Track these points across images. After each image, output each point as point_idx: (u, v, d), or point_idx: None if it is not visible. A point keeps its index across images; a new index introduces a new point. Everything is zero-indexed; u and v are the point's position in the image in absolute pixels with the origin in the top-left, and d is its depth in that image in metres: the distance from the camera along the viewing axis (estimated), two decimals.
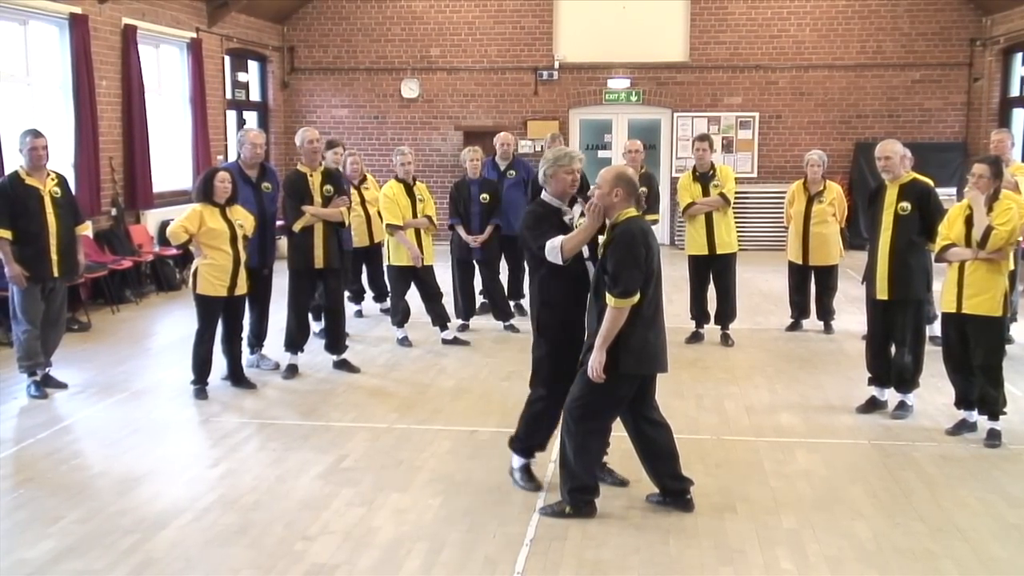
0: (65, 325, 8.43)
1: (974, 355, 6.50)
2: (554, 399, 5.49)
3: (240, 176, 8.10)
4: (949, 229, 6.57)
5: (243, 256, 7.72)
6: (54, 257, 7.76)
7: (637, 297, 5.02)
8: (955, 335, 6.61)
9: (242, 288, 7.78)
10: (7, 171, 8.86)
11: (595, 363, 5.05)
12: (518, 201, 10.23)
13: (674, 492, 5.42)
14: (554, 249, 5.32)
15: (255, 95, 17.48)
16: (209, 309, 7.66)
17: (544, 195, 5.62)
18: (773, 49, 17.10)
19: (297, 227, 8.14)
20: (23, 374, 7.81)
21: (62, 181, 7.97)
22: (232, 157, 16.05)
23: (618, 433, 6.08)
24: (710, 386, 8.05)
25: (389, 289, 9.92)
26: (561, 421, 5.38)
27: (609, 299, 5.01)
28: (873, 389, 7.32)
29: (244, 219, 7.78)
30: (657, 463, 5.43)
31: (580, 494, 5.29)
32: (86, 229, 8.39)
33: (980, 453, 6.37)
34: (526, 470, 5.74)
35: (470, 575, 4.67)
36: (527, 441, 5.72)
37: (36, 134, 7.69)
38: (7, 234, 7.56)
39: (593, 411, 5.24)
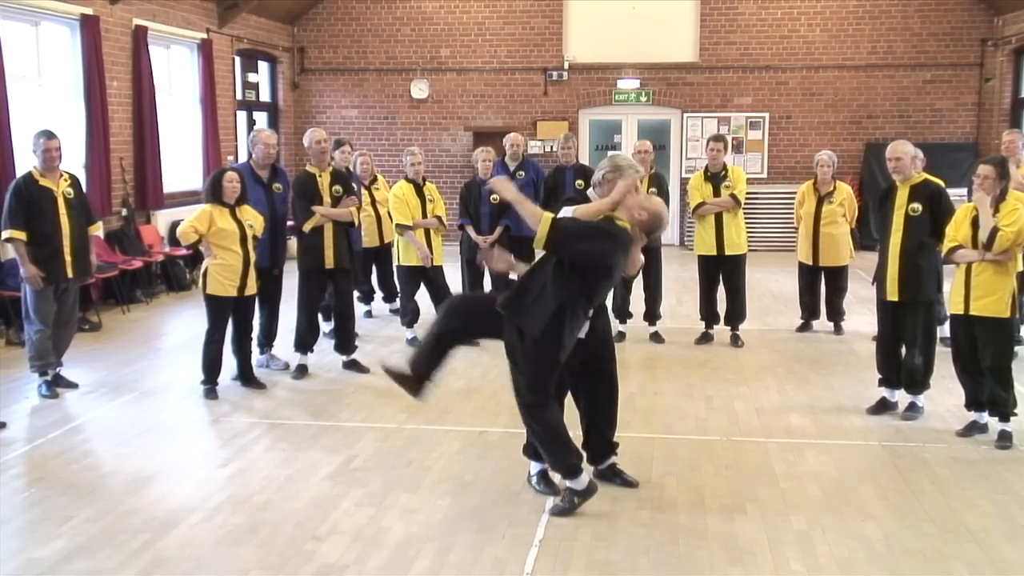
0: (76, 325, 8.46)
1: (983, 357, 6.47)
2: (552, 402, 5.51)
3: (251, 176, 8.12)
4: (956, 231, 6.54)
5: (253, 256, 7.73)
6: (68, 258, 7.78)
7: (546, 244, 5.07)
8: (964, 337, 6.58)
9: (252, 288, 7.80)
10: (20, 172, 8.90)
11: (498, 184, 5.39)
12: None
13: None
14: (566, 213, 5.37)
15: (265, 96, 17.53)
16: (219, 309, 7.68)
17: (593, 193, 5.68)
18: (783, 49, 17.07)
19: (307, 227, 8.16)
20: (35, 374, 7.84)
21: (75, 182, 8.00)
22: (243, 157, 16.12)
23: (622, 433, 6.09)
24: (720, 387, 8.03)
25: (399, 289, 9.93)
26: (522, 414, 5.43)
27: (549, 215, 5.09)
28: (883, 390, 7.30)
29: (254, 219, 7.79)
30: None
31: (572, 470, 5.31)
32: (97, 229, 8.41)
33: (991, 455, 6.35)
34: (544, 475, 5.72)
35: (479, 575, 4.67)
36: None
37: (49, 135, 7.72)
38: (22, 235, 7.58)
39: (536, 396, 5.30)
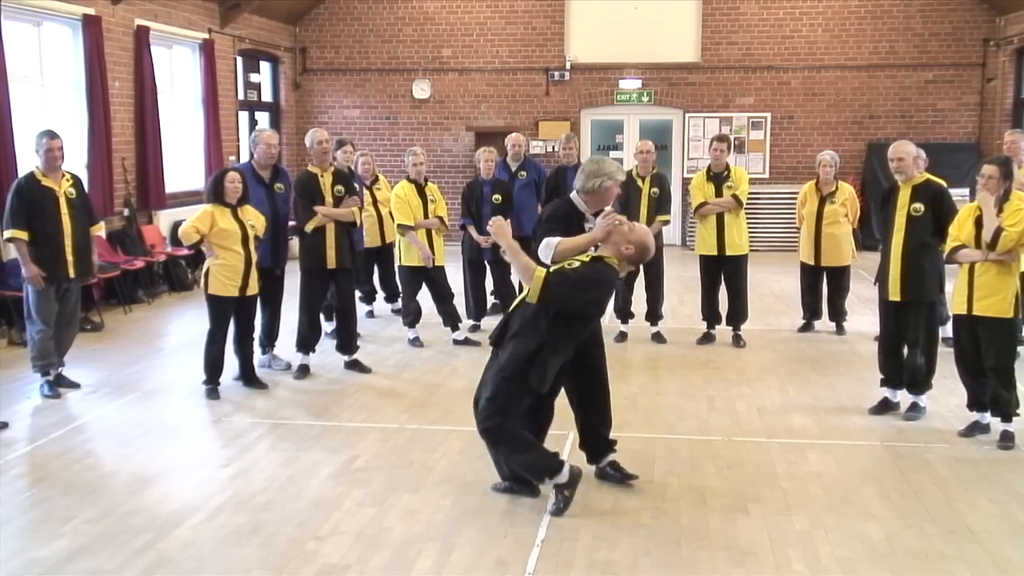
0: (78, 325, 8.47)
1: (986, 357, 6.47)
2: (541, 398, 5.54)
3: (253, 176, 8.13)
4: (959, 230, 6.54)
5: (255, 256, 7.74)
6: (70, 258, 7.79)
7: (540, 300, 5.08)
8: (967, 337, 6.58)
9: (254, 288, 7.80)
10: (22, 172, 8.91)
11: (495, 228, 5.37)
12: (529, 202, 10.26)
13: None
14: (548, 246, 5.36)
15: (267, 96, 17.53)
16: (221, 309, 7.68)
17: (576, 197, 5.66)
18: (785, 50, 17.06)
19: (309, 227, 8.16)
20: (36, 374, 7.84)
21: (77, 182, 8.00)
22: (244, 158, 16.12)
23: (623, 433, 6.09)
24: (721, 387, 8.03)
25: (400, 290, 9.93)
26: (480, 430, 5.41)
27: (542, 272, 5.10)
28: (885, 390, 7.30)
29: (255, 219, 7.79)
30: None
31: (551, 470, 5.31)
32: (100, 230, 8.41)
33: (993, 455, 6.34)
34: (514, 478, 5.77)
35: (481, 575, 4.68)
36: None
37: (52, 135, 7.72)
38: (24, 235, 7.59)
39: (498, 414, 5.29)
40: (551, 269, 5.19)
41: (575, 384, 5.75)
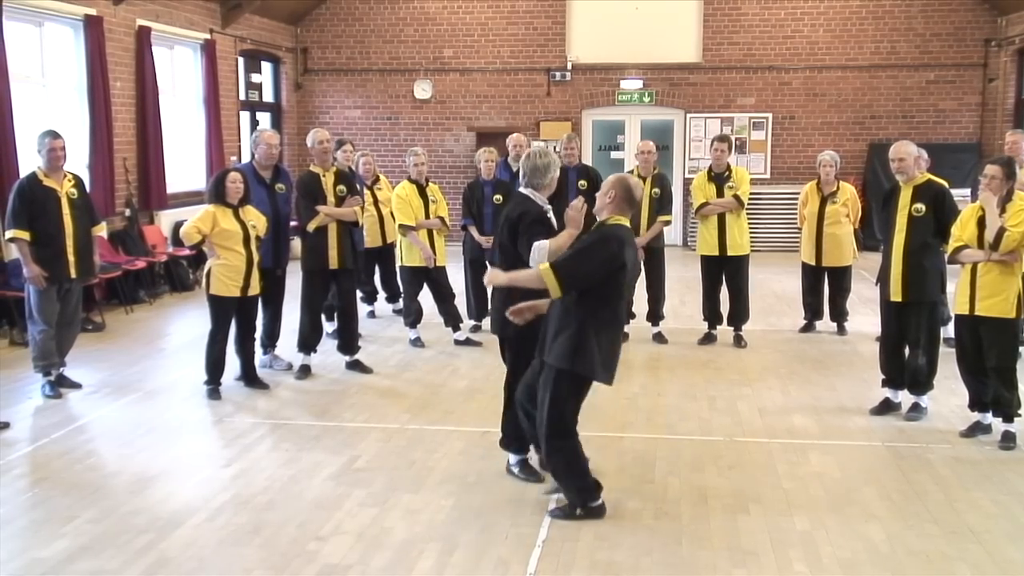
0: (80, 325, 8.47)
1: (988, 357, 6.47)
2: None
3: (254, 177, 8.13)
4: (962, 231, 6.54)
5: (256, 257, 7.74)
6: (71, 258, 7.79)
7: (561, 289, 5.01)
8: (969, 337, 6.57)
9: (255, 288, 7.81)
10: (24, 172, 8.91)
11: (488, 277, 5.36)
12: None
13: None
14: (541, 251, 5.35)
15: (268, 96, 17.54)
16: (222, 309, 7.69)
17: (532, 193, 5.69)
18: (786, 50, 17.06)
19: (311, 227, 8.16)
20: (38, 374, 7.85)
21: (79, 182, 8.00)
22: (246, 158, 16.12)
23: (624, 434, 6.09)
24: (723, 387, 8.03)
25: (402, 290, 9.94)
26: (542, 448, 5.37)
27: (545, 266, 5.04)
28: (887, 391, 7.30)
29: (256, 220, 7.80)
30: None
31: (584, 495, 5.30)
32: (101, 230, 8.41)
33: (994, 455, 6.34)
34: (524, 464, 5.86)
35: None
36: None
37: (55, 135, 7.73)
38: (26, 235, 7.59)
39: (564, 421, 5.24)
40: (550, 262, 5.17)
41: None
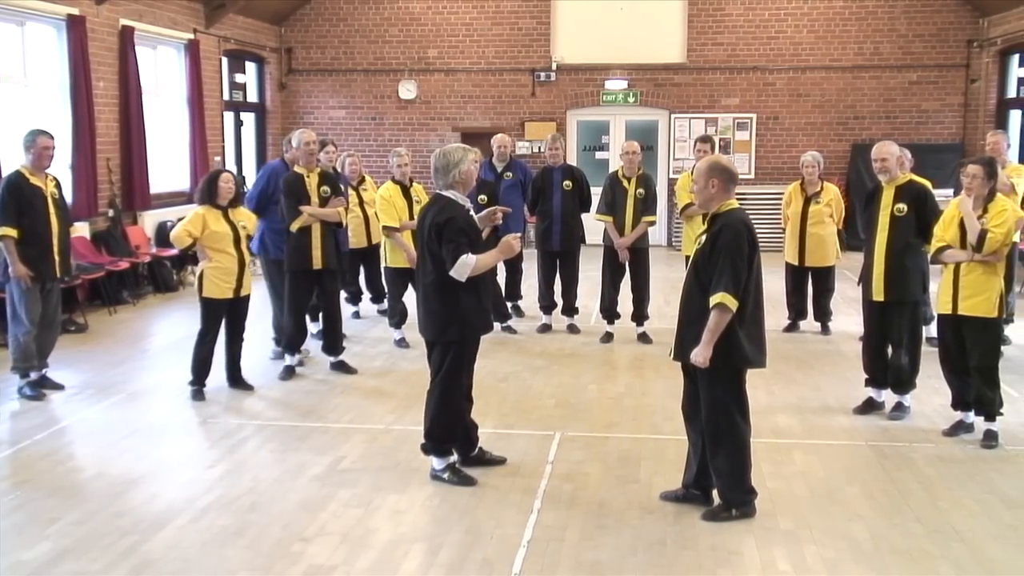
0: (60, 326, 8.41)
1: (970, 356, 6.50)
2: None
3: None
4: (944, 231, 6.58)
5: (247, 257, 7.73)
6: (56, 257, 7.75)
7: (738, 299, 4.99)
8: (951, 336, 6.61)
9: (247, 289, 7.79)
10: (5, 171, 8.84)
11: (699, 358, 5.11)
12: (515, 203, 10.24)
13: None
14: (466, 266, 5.46)
15: (252, 96, 17.49)
16: (214, 311, 7.67)
17: (452, 194, 5.74)
18: (770, 50, 17.12)
19: (295, 227, 8.14)
20: (15, 375, 7.78)
21: (58, 182, 7.97)
22: (231, 158, 16.12)
23: (610, 434, 6.09)
24: None
25: (386, 291, 9.92)
26: (704, 447, 5.35)
27: (715, 297, 5.01)
28: (870, 390, 7.33)
29: (247, 220, 7.79)
30: None
31: (746, 495, 5.31)
32: (76, 231, 8.40)
33: (977, 454, 6.38)
34: (452, 468, 5.90)
35: None
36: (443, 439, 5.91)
37: (46, 135, 7.67)
38: (13, 232, 7.52)
39: (729, 420, 5.24)
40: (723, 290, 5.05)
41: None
